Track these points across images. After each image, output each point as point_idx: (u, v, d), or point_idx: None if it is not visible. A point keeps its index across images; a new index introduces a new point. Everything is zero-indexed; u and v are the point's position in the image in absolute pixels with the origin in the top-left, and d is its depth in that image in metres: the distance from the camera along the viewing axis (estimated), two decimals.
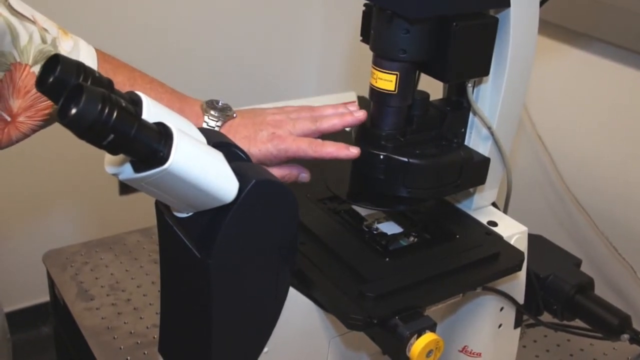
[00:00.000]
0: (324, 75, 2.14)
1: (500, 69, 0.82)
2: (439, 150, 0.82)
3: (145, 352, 1.07)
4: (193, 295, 0.73)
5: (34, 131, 0.79)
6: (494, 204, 0.94)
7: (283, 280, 0.73)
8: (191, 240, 0.67)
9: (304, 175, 0.84)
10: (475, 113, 0.85)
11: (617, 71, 1.31)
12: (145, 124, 0.57)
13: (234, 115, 0.82)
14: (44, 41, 0.77)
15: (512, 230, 0.88)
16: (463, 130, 0.87)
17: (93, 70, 0.60)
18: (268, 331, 0.74)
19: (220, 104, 0.83)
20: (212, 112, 0.81)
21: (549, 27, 1.25)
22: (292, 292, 0.74)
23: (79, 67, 0.59)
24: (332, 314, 0.76)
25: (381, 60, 0.79)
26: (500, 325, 0.93)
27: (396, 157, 0.78)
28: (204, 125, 0.81)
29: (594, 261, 1.38)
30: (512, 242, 0.86)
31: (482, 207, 0.92)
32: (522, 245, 0.87)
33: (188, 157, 0.59)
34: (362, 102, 1.42)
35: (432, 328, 0.70)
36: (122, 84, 0.79)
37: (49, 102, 0.76)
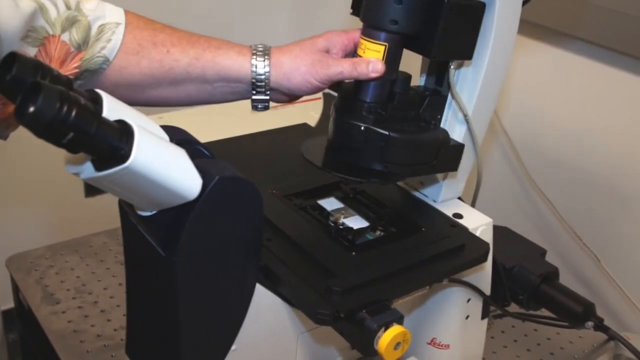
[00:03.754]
0: None
1: (481, 56, 0.84)
2: (418, 129, 0.83)
3: (113, 355, 1.06)
4: (159, 294, 0.72)
5: None
6: (460, 199, 0.95)
7: (249, 277, 0.73)
8: (155, 238, 0.67)
9: (376, 62, 0.79)
10: (453, 97, 0.86)
11: (581, 65, 1.33)
12: (105, 121, 0.57)
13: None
14: (68, 7, 0.76)
15: (477, 222, 0.88)
16: (439, 117, 0.88)
17: (51, 68, 0.59)
18: (236, 329, 0.74)
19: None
20: (258, 46, 0.81)
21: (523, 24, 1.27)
22: (259, 289, 0.74)
23: (36, 65, 0.58)
24: (300, 310, 0.76)
25: (371, 31, 0.79)
26: (467, 317, 0.94)
27: (377, 129, 0.79)
28: (253, 58, 0.80)
29: (559, 251, 1.40)
30: (477, 234, 0.87)
31: (448, 199, 0.93)
32: (488, 237, 0.88)
33: (149, 154, 0.58)
34: (327, 99, 1.43)
35: (400, 320, 0.70)
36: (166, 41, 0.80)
37: (80, 55, 0.76)
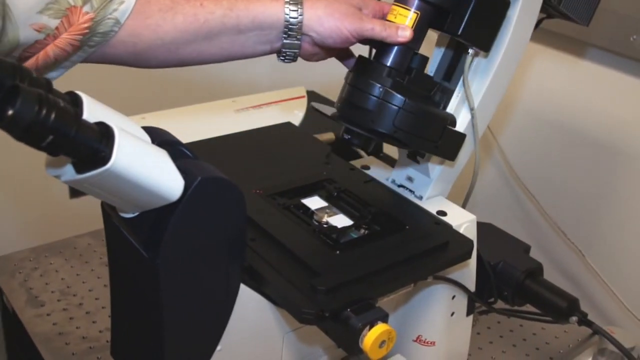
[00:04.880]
0: (275, 71, 2.14)
1: (496, 52, 0.87)
2: (431, 105, 0.86)
3: (99, 357, 1.05)
4: (143, 295, 0.72)
5: (72, 47, 0.77)
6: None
7: (233, 277, 0.73)
8: (138, 240, 0.67)
9: (405, 28, 0.83)
10: (464, 85, 0.88)
11: (564, 70, 1.34)
12: (85, 124, 0.57)
13: None
14: None
15: (461, 219, 0.89)
16: (446, 107, 0.90)
17: (30, 71, 0.59)
18: (220, 329, 0.74)
19: None
20: None
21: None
22: (243, 289, 0.74)
23: (15, 67, 0.58)
24: (284, 309, 0.76)
25: None
26: (452, 314, 0.94)
27: (394, 92, 0.80)
28: (287, 2, 0.81)
29: (543, 246, 1.41)
30: (461, 231, 0.87)
31: (433, 197, 0.94)
32: (471, 234, 0.89)
33: (130, 156, 0.58)
34: (311, 98, 1.43)
35: (384, 319, 0.71)
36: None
37: (90, 16, 0.76)
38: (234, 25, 0.81)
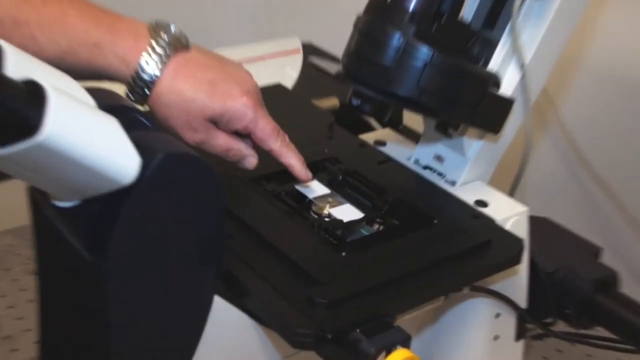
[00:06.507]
0: (263, 16, 2.14)
1: None
2: (467, 60, 0.86)
3: None
4: (84, 312, 0.73)
5: None
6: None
7: (205, 287, 0.73)
8: (78, 238, 0.67)
9: (252, 160, 0.85)
10: (512, 34, 0.88)
11: None
12: (7, 81, 0.57)
13: (189, 47, 0.83)
14: None
15: (507, 212, 0.90)
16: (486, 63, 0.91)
17: None
18: (188, 354, 0.75)
19: (173, 29, 0.83)
20: (163, 35, 0.81)
21: None
22: (219, 302, 0.75)
23: None
24: (273, 330, 0.76)
25: None
26: (496, 337, 0.95)
27: (418, 43, 0.81)
28: (144, 55, 0.80)
29: (618, 249, 1.42)
30: (507, 227, 0.88)
31: (470, 182, 0.94)
32: (522, 231, 0.89)
33: (68, 124, 0.59)
34: (308, 51, 1.43)
35: (405, 342, 0.71)
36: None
37: None
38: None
